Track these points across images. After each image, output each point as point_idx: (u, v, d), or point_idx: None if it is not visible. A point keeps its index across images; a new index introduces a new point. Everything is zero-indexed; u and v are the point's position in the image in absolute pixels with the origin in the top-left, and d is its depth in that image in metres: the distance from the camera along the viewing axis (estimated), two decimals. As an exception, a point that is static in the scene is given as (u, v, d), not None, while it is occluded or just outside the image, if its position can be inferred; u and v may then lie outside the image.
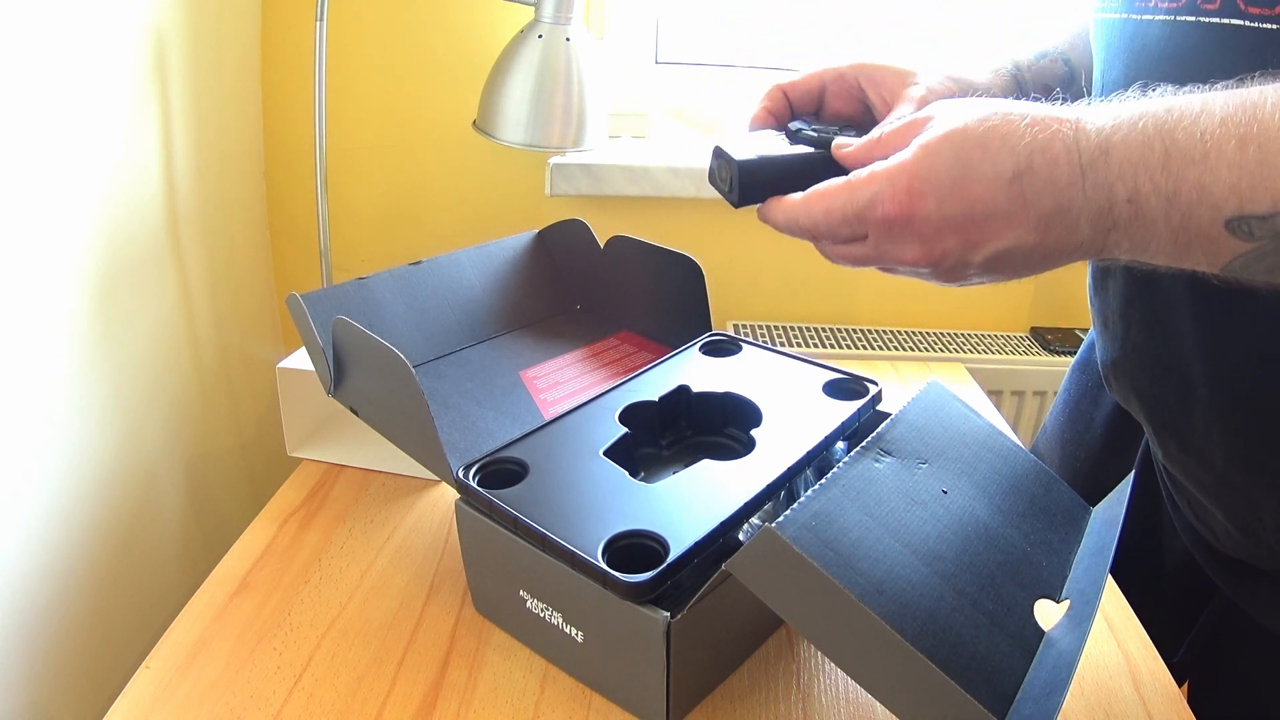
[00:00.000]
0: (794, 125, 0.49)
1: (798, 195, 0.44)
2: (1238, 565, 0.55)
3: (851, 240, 0.42)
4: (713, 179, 0.50)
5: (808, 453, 0.53)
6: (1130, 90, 0.38)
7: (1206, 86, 0.36)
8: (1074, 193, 0.37)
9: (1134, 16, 0.46)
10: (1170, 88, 0.37)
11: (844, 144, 0.46)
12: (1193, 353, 0.49)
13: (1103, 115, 0.37)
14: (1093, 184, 0.36)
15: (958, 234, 0.39)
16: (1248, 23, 0.39)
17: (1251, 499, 0.51)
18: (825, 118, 0.53)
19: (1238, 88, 0.35)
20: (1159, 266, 0.38)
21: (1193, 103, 0.35)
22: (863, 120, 0.52)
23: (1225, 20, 0.40)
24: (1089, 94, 0.50)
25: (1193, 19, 0.42)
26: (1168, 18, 0.43)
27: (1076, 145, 0.37)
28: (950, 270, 0.41)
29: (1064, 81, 0.56)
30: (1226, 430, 0.50)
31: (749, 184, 0.47)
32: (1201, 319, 0.48)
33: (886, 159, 0.41)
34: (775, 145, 0.49)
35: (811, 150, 0.47)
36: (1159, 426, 0.56)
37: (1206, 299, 0.46)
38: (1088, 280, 0.59)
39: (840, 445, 0.58)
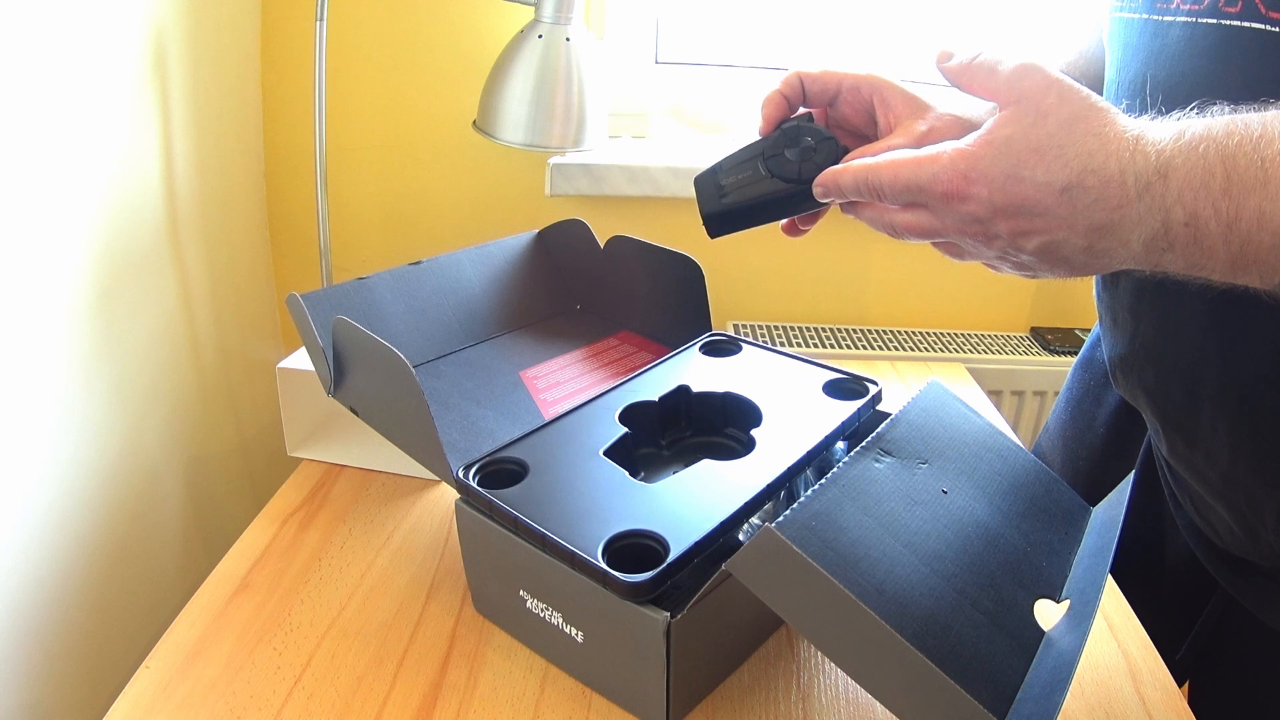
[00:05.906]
0: (770, 152, 0.51)
1: (869, 159, 0.45)
2: (1239, 562, 0.56)
3: (914, 207, 0.44)
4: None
5: (808, 453, 0.53)
6: (1189, 109, 0.38)
7: (1262, 105, 0.35)
8: (1127, 212, 0.37)
9: (1154, 17, 0.46)
10: (1228, 106, 0.37)
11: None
12: (1203, 350, 0.49)
13: (1163, 132, 0.37)
14: (1148, 207, 0.36)
15: (1009, 221, 0.40)
16: (1269, 27, 0.39)
17: (1255, 496, 0.51)
18: (832, 119, 0.54)
19: None
20: (1213, 281, 0.38)
21: (1253, 126, 0.35)
22: (867, 131, 0.53)
23: (1246, 24, 0.40)
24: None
25: (1214, 21, 0.42)
26: (1189, 19, 0.43)
27: (1133, 165, 0.37)
28: (1006, 252, 0.42)
29: None
30: (1233, 428, 0.50)
31: (716, 227, 0.53)
32: (1213, 317, 0.48)
33: (957, 140, 0.42)
34: (747, 174, 0.52)
35: (781, 187, 0.50)
36: (1165, 423, 0.56)
37: (1219, 297, 0.46)
38: (1095, 276, 0.59)
39: (840, 445, 0.58)
